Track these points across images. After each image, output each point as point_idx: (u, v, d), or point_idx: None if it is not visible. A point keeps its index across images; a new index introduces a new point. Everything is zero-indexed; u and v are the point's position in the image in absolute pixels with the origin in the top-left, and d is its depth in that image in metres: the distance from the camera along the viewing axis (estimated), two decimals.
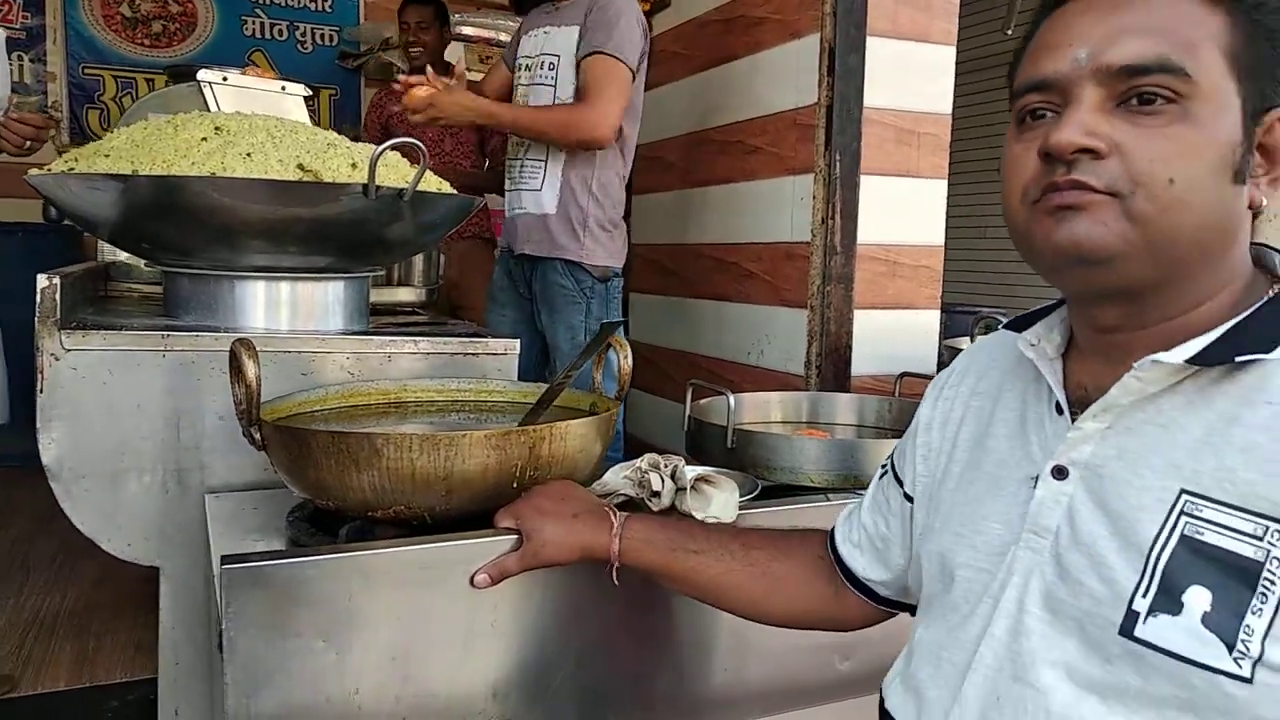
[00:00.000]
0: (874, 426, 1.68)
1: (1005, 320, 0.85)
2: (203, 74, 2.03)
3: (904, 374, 1.79)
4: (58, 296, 1.29)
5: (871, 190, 2.10)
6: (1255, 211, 0.68)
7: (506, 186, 2.40)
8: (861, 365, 2.12)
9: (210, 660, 1.42)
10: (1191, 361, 0.65)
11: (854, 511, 1.00)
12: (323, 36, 5.12)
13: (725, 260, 2.47)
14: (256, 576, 0.92)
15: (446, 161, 3.33)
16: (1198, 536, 0.62)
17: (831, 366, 2.08)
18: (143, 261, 2.05)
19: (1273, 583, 0.59)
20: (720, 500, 1.10)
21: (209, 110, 2.01)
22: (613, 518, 1.02)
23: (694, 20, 2.62)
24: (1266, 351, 0.64)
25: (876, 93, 2.08)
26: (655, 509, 1.12)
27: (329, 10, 5.10)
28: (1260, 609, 0.59)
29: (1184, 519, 0.63)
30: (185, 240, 1.44)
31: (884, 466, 0.98)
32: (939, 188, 2.17)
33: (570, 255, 2.26)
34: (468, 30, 4.67)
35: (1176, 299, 0.69)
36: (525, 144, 2.33)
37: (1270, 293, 0.69)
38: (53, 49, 4.52)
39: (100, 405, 1.33)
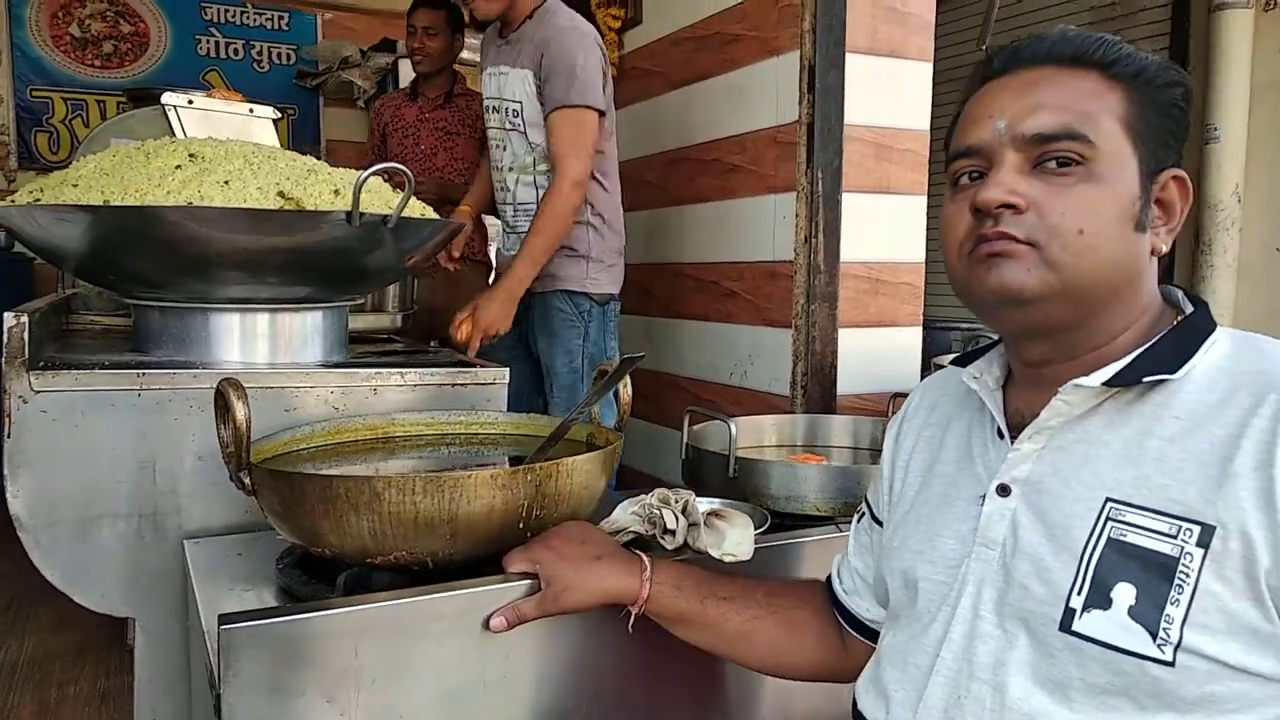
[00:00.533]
0: (869, 449, 1.66)
1: (967, 349, 0.96)
2: (167, 97, 1.96)
3: (895, 395, 1.77)
4: (25, 336, 1.22)
5: (852, 207, 2.08)
6: (1158, 256, 0.79)
7: (502, 228, 2.35)
8: (846, 384, 2.10)
9: (190, 713, 1.35)
10: (1107, 384, 0.75)
11: (843, 560, 1.05)
12: (280, 55, 5.03)
13: (705, 280, 2.44)
14: (256, 636, 0.86)
15: (437, 176, 3.22)
16: (1122, 538, 0.71)
17: (817, 386, 2.06)
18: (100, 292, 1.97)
19: (1187, 575, 0.68)
20: (735, 536, 1.06)
21: (174, 134, 1.95)
22: (643, 561, 0.99)
23: (667, 37, 2.60)
24: (1171, 372, 0.74)
25: (855, 109, 2.07)
26: (669, 547, 1.09)
27: (285, 29, 5.01)
28: (1178, 599, 0.68)
29: (1110, 524, 0.72)
30: (159, 273, 1.37)
31: (860, 511, 1.05)
32: (919, 203, 2.17)
33: (574, 286, 2.21)
34: (464, 54, 4.58)
35: (1093, 333, 0.78)
36: (510, 188, 2.27)
37: (1174, 323, 0.79)
38: None
39: (71, 449, 1.26)
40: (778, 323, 2.15)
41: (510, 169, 2.27)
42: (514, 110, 2.22)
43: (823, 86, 2.02)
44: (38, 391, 1.23)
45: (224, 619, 0.86)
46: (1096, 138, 0.74)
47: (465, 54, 3.53)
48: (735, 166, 2.31)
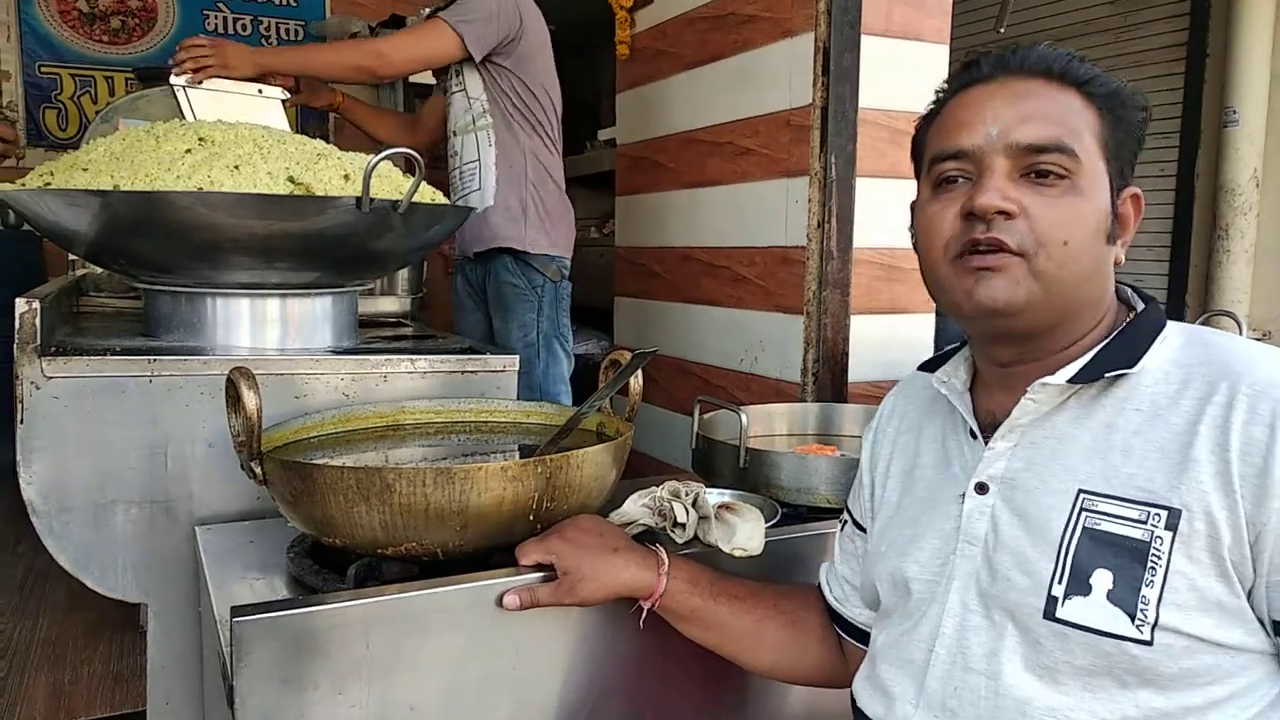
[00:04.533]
0: None
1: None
2: (175, 77, 1.94)
3: None
4: (38, 321, 1.21)
5: (866, 192, 2.06)
6: (1118, 267, 0.84)
7: (452, 197, 2.38)
8: (858, 372, 2.09)
9: (204, 698, 1.36)
10: (1072, 381, 0.80)
11: (830, 569, 1.08)
12: (288, 31, 4.99)
13: (715, 264, 2.43)
14: (269, 628, 0.87)
15: None
16: (1097, 527, 0.75)
17: (829, 374, 2.05)
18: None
19: (1159, 557, 0.72)
20: (746, 531, 1.06)
21: (183, 115, 1.93)
22: (660, 555, 0.99)
23: (680, 17, 2.57)
24: (1129, 366, 0.79)
25: (870, 93, 2.04)
26: (679, 540, 1.08)
27: (293, 4, 4.97)
28: (1152, 581, 0.72)
29: (1084, 514, 0.76)
30: (169, 257, 1.37)
31: (842, 519, 1.08)
32: None
33: (514, 244, 2.27)
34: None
35: (1062, 336, 0.83)
36: (458, 152, 2.36)
37: (1127, 320, 0.84)
38: (6, 46, 4.35)
39: (83, 435, 1.26)
40: (789, 309, 2.14)
41: (455, 132, 2.36)
42: (456, 69, 2.31)
43: (837, 69, 2.00)
44: (50, 377, 1.23)
45: (236, 610, 0.86)
46: (1080, 152, 0.79)
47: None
48: (748, 150, 2.28)
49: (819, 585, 1.09)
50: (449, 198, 2.42)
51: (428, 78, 2.87)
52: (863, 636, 1.01)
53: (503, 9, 2.22)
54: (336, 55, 2.23)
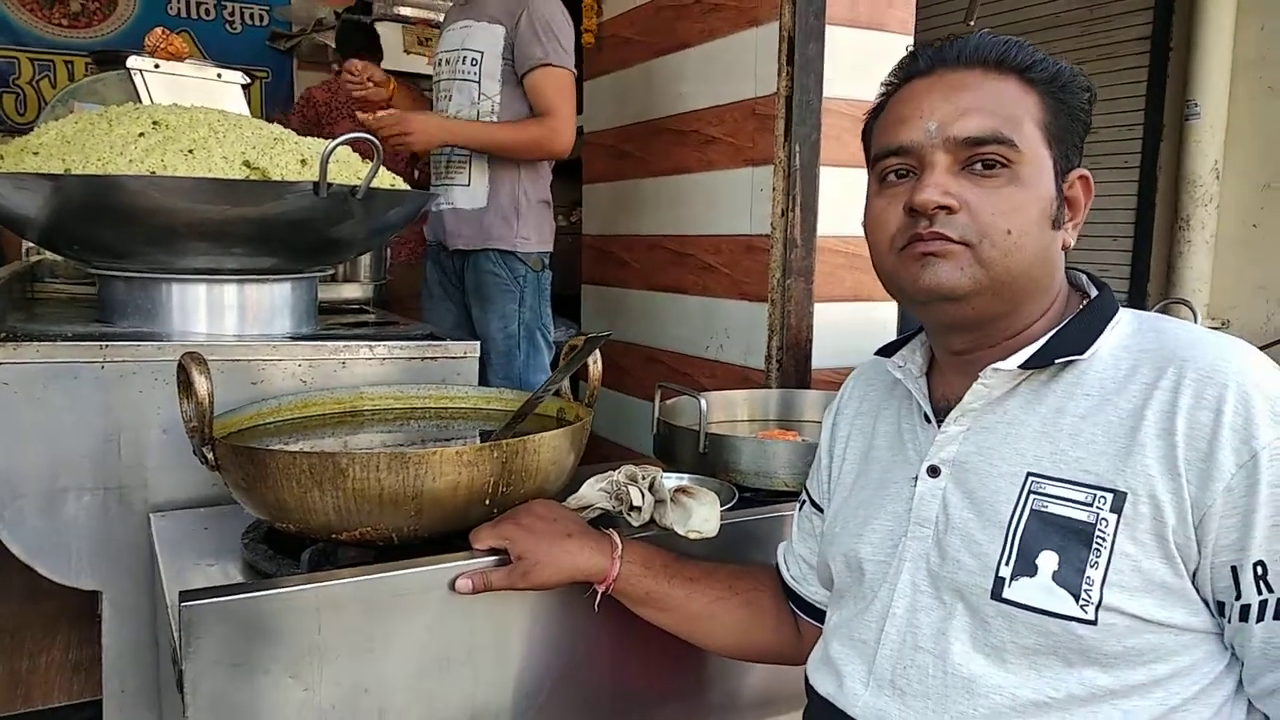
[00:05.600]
0: None
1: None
2: (132, 60, 1.91)
3: None
4: None
5: (829, 181, 2.07)
6: (1066, 250, 0.84)
7: (433, 181, 2.36)
8: (821, 359, 2.10)
9: (159, 686, 1.35)
10: (1023, 367, 0.81)
11: (787, 548, 1.09)
12: (253, 16, 4.94)
13: (682, 252, 2.43)
14: (218, 612, 0.86)
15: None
16: (1044, 509, 0.76)
17: (792, 361, 2.06)
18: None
19: (1103, 539, 0.73)
20: (701, 514, 1.06)
21: (140, 100, 1.90)
22: (614, 539, 1.00)
23: (646, 5, 2.56)
24: (1079, 352, 0.80)
25: (835, 82, 2.05)
26: (635, 524, 1.09)
27: None
28: (1096, 562, 0.73)
29: (1032, 496, 0.77)
30: (122, 242, 1.35)
31: (801, 500, 1.09)
32: None
33: (505, 245, 2.27)
34: (405, 11, 4.55)
35: (1013, 322, 0.83)
36: None
37: (1080, 307, 0.85)
38: None
39: (35, 421, 1.24)
40: (754, 296, 2.15)
41: (453, 119, 2.30)
42: (472, 59, 2.26)
43: (802, 59, 2.00)
44: (0, 363, 1.21)
45: (185, 595, 0.86)
46: (1020, 141, 0.79)
47: (405, 10, 3.59)
48: (714, 138, 2.29)
49: (776, 565, 1.10)
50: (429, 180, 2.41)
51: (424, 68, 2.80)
52: (819, 615, 1.02)
53: (567, 18, 2.25)
54: (519, 140, 2.22)
